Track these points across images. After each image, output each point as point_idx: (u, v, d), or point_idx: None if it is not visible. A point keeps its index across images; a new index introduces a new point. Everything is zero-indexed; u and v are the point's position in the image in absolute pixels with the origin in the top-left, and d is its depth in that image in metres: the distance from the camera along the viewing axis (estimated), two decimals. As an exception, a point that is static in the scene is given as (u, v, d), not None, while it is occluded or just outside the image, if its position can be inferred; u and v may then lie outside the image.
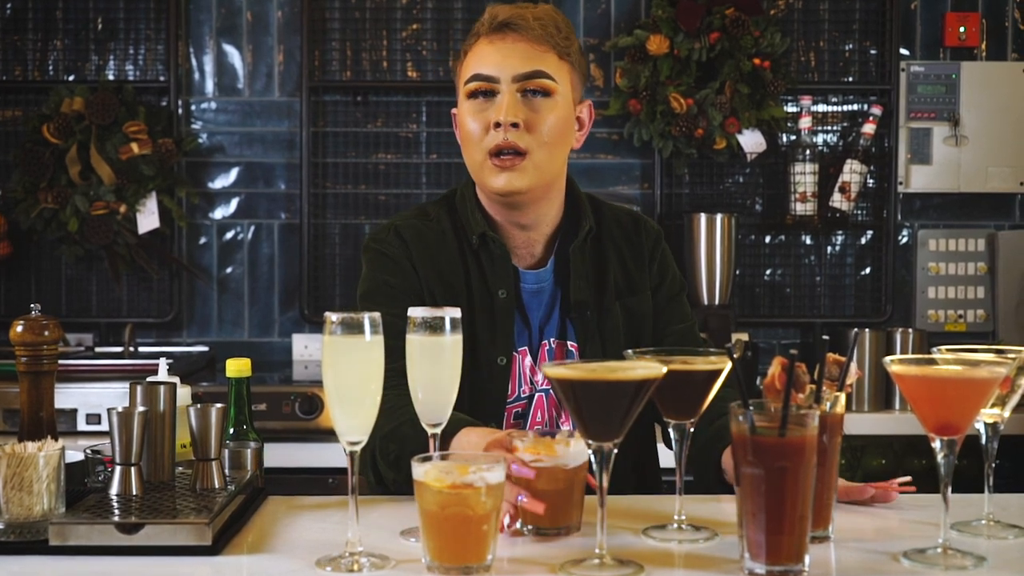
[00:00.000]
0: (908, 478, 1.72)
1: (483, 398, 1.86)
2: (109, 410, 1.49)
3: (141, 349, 3.50)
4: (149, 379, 1.64)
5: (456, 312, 1.49)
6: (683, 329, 1.98)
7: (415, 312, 1.48)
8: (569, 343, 1.91)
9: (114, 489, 1.50)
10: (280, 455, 2.79)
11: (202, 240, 3.69)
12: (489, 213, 1.92)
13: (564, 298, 1.92)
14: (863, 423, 3.27)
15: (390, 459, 1.73)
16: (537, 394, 1.89)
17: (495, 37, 1.85)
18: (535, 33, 1.84)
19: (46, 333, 1.59)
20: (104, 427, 2.93)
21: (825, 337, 1.52)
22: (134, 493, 1.50)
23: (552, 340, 1.92)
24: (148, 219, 3.51)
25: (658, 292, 1.98)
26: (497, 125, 1.81)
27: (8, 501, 1.42)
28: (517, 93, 1.82)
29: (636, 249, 1.98)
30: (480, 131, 1.84)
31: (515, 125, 1.81)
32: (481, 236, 1.90)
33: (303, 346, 3.64)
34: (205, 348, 3.62)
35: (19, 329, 1.58)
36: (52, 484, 1.44)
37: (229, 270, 3.69)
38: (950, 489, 1.41)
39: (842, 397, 1.52)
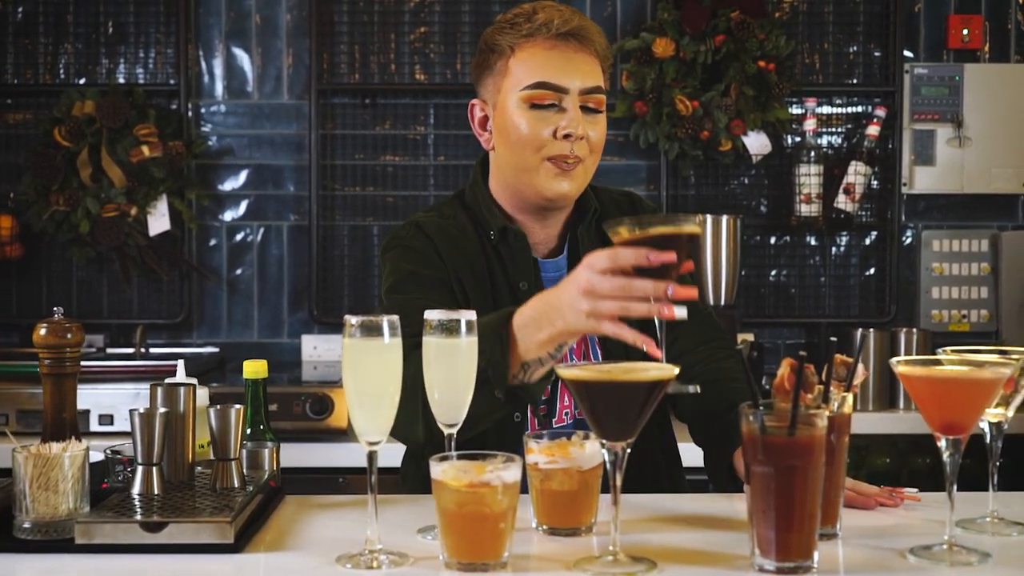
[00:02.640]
0: (915, 490, 1.74)
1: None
2: (131, 411, 1.52)
3: (152, 350, 3.52)
4: (168, 380, 1.66)
5: (471, 315, 1.51)
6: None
7: (431, 315, 1.51)
8: None
9: (136, 489, 1.52)
10: (291, 455, 2.79)
11: (212, 242, 3.72)
12: (506, 208, 1.95)
13: None
14: (867, 422, 3.29)
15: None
16: (561, 383, 1.91)
17: (559, 43, 1.85)
18: (595, 47, 1.87)
19: (69, 336, 1.62)
20: (116, 428, 2.97)
21: (833, 338, 1.55)
22: (156, 492, 1.52)
23: None
24: (159, 221, 3.54)
25: None
26: (567, 136, 1.83)
27: (34, 500, 1.45)
28: (579, 108, 1.85)
29: None
30: (541, 137, 1.85)
31: (581, 138, 1.85)
32: (502, 230, 1.92)
33: (312, 347, 3.66)
34: (215, 349, 3.64)
35: (43, 332, 1.61)
36: (77, 484, 1.47)
37: (239, 271, 3.72)
38: (955, 487, 1.44)
39: (849, 397, 1.55)
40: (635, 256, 1.49)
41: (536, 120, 1.85)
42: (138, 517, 1.44)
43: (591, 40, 1.87)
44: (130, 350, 3.48)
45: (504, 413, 1.72)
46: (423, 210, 2.06)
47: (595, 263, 1.53)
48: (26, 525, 1.46)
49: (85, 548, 1.42)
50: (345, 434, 2.99)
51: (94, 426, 2.99)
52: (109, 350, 3.59)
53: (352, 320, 1.40)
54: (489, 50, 1.91)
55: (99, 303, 3.70)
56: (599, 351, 1.93)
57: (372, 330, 1.39)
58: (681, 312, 1.50)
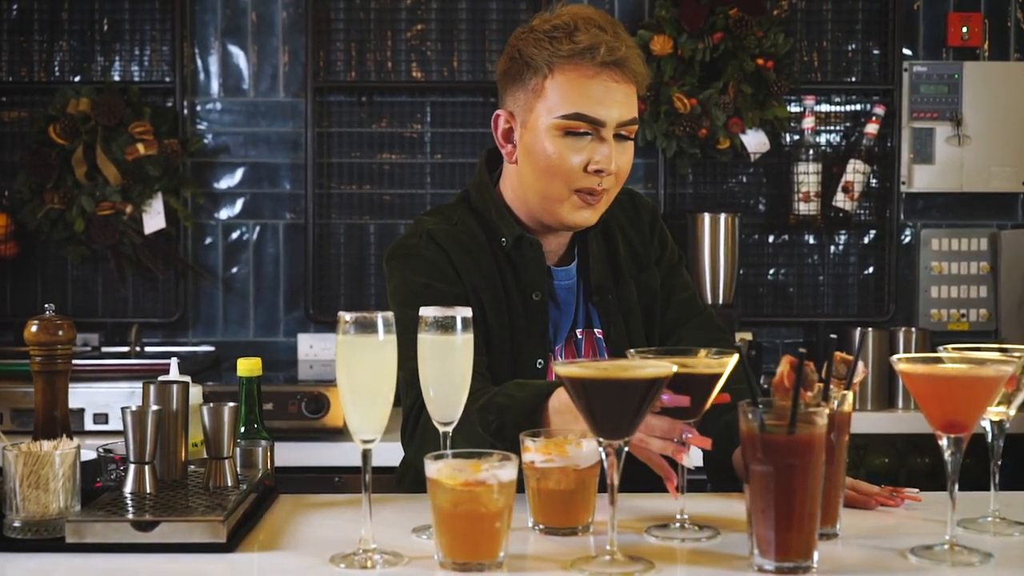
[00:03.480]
0: (916, 490, 1.73)
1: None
2: (123, 409, 1.50)
3: (147, 349, 3.51)
4: (161, 378, 1.65)
5: (467, 311, 1.50)
6: (686, 298, 2.01)
7: (426, 311, 1.50)
8: (596, 330, 1.93)
9: (128, 487, 1.51)
10: (286, 454, 2.78)
11: (207, 240, 3.70)
12: (521, 217, 1.90)
13: (585, 286, 1.94)
14: (866, 422, 3.28)
15: (492, 429, 1.66)
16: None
17: (601, 72, 1.77)
18: (636, 77, 1.81)
19: (60, 333, 1.60)
20: (111, 426, 2.96)
21: (833, 336, 1.53)
22: (148, 491, 1.51)
23: (579, 330, 1.93)
24: (154, 219, 3.53)
25: (660, 264, 2.01)
26: (599, 172, 1.79)
27: (25, 499, 1.44)
28: (614, 138, 1.80)
29: (638, 227, 2.00)
30: (572, 168, 1.79)
31: (612, 173, 1.80)
32: (517, 239, 1.87)
33: (308, 346, 3.65)
34: (211, 348, 3.63)
35: (34, 329, 1.60)
36: (68, 482, 1.46)
37: (234, 270, 3.70)
38: (957, 486, 1.43)
39: (849, 395, 1.53)
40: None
41: (569, 149, 1.78)
42: (130, 516, 1.42)
43: (633, 70, 1.79)
44: (125, 349, 3.47)
45: None
46: (426, 212, 1.98)
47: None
48: (16, 524, 1.44)
49: (76, 547, 1.40)
50: (341, 433, 2.97)
51: (89, 425, 2.97)
52: (104, 349, 3.57)
53: (346, 317, 1.38)
54: (524, 63, 1.82)
55: (94, 302, 3.69)
56: (603, 343, 1.92)
57: (366, 327, 1.38)
58: (694, 458, 1.56)
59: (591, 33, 1.77)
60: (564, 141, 1.79)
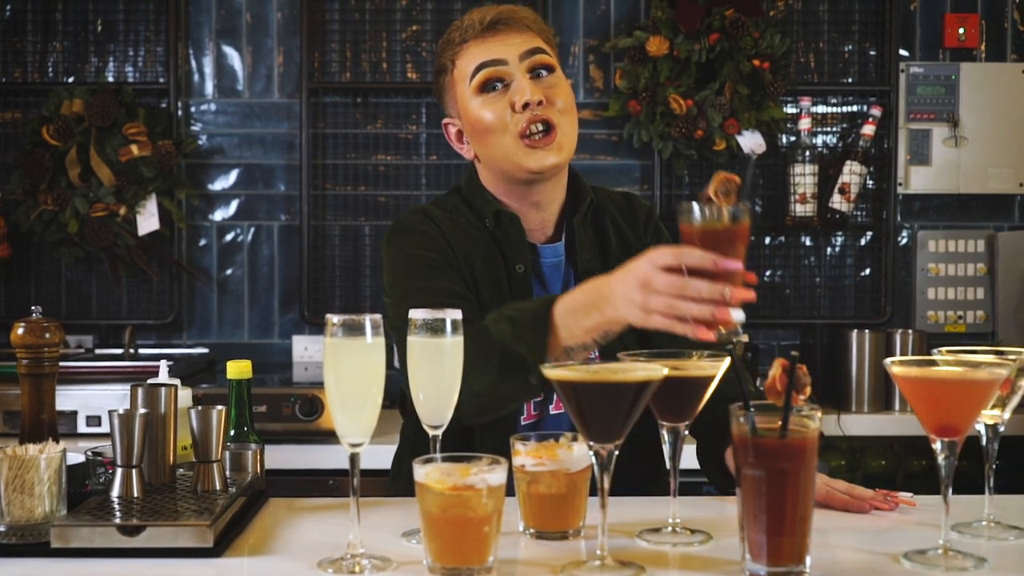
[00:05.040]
0: (910, 494, 1.71)
1: None
2: (110, 412, 1.49)
3: (141, 351, 3.49)
4: (150, 381, 1.64)
5: (457, 314, 1.49)
6: None
7: (415, 314, 1.49)
8: None
9: (115, 491, 1.50)
10: (280, 457, 2.79)
11: (202, 242, 3.69)
12: (500, 198, 1.95)
13: (573, 268, 1.96)
14: (863, 424, 3.28)
15: (507, 337, 1.67)
16: None
17: (487, 35, 1.89)
18: (524, 23, 1.91)
19: (47, 335, 1.59)
20: (104, 429, 2.94)
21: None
22: (135, 495, 1.50)
23: None
24: (148, 221, 3.51)
25: None
26: (525, 106, 1.84)
27: (9, 503, 1.42)
28: (528, 75, 1.86)
29: (631, 219, 2.03)
30: (503, 119, 1.86)
31: (540, 103, 1.84)
32: (496, 215, 1.93)
33: (303, 348, 3.64)
34: (205, 350, 3.62)
35: (20, 331, 1.58)
36: (54, 486, 1.44)
37: (229, 272, 3.69)
38: (951, 490, 1.41)
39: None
40: (700, 259, 1.46)
41: (490, 102, 1.87)
42: (116, 520, 1.41)
43: (517, 20, 1.90)
44: (119, 351, 3.45)
45: (533, 397, 1.74)
46: (419, 204, 2.08)
47: (658, 259, 1.51)
48: (1, 529, 1.43)
49: (61, 552, 1.39)
50: (335, 436, 2.95)
51: (82, 427, 2.96)
52: (98, 351, 3.56)
53: (334, 319, 1.37)
54: (439, 73, 1.96)
55: (88, 303, 3.68)
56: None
57: (354, 329, 1.37)
58: (739, 315, 1.48)
59: (471, 15, 1.92)
60: (483, 98, 1.88)
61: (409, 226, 1.93)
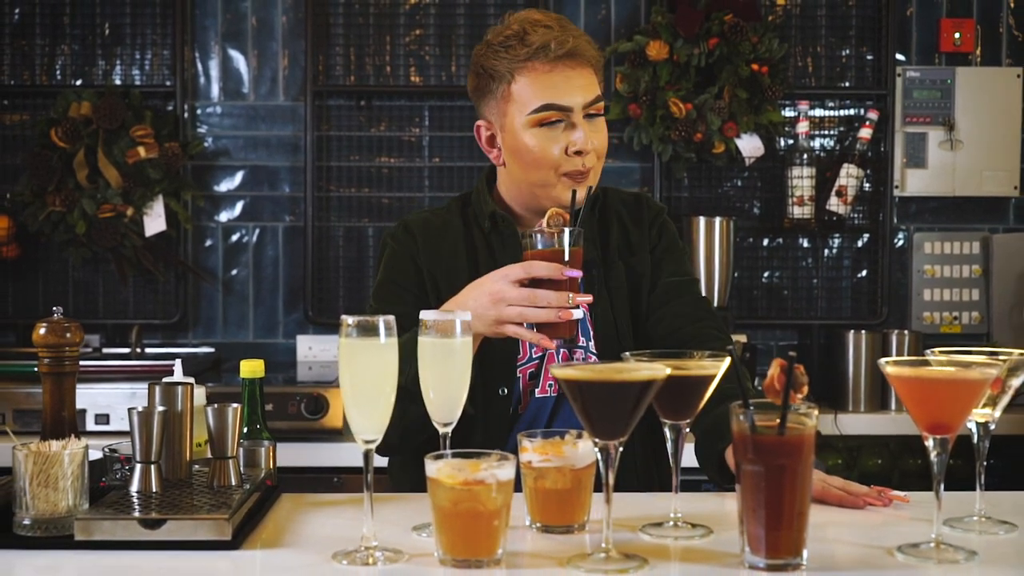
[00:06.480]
0: (904, 494, 1.75)
1: (495, 360, 1.93)
2: (130, 410, 1.53)
3: (148, 350, 3.53)
4: (166, 380, 1.68)
5: (467, 315, 1.54)
6: (675, 281, 2.05)
7: (427, 315, 1.53)
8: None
9: (134, 486, 1.54)
10: (286, 455, 2.81)
11: (208, 242, 3.73)
12: (510, 202, 2.02)
13: None
14: (859, 423, 3.32)
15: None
16: (548, 353, 1.96)
17: (557, 65, 1.92)
18: (590, 61, 1.95)
19: (68, 335, 1.63)
20: (112, 427, 2.98)
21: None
22: (154, 490, 1.54)
23: None
24: (154, 222, 3.56)
25: (654, 252, 2.08)
26: (578, 153, 1.91)
27: (34, 497, 1.47)
28: (584, 120, 1.93)
29: (637, 216, 2.09)
30: (554, 156, 1.92)
31: (591, 152, 1.93)
32: (491, 216, 2.00)
33: (307, 347, 3.68)
34: (210, 349, 3.66)
35: (42, 331, 1.62)
36: (76, 481, 1.49)
37: (234, 272, 3.74)
38: (943, 487, 1.46)
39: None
40: (548, 270, 1.71)
41: (546, 139, 1.92)
42: (137, 514, 1.45)
43: (585, 56, 1.94)
44: (126, 350, 3.50)
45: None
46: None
47: (510, 274, 1.73)
48: (26, 522, 1.47)
49: (84, 544, 1.44)
50: (340, 434, 3.01)
51: (90, 425, 3.00)
52: (105, 350, 3.60)
53: (349, 320, 1.41)
54: (488, 76, 1.97)
55: (95, 303, 3.72)
56: (586, 315, 1.98)
57: (368, 330, 1.41)
58: (577, 314, 1.73)
59: (540, 33, 1.93)
60: (540, 132, 1.93)
61: (390, 240, 2.05)
